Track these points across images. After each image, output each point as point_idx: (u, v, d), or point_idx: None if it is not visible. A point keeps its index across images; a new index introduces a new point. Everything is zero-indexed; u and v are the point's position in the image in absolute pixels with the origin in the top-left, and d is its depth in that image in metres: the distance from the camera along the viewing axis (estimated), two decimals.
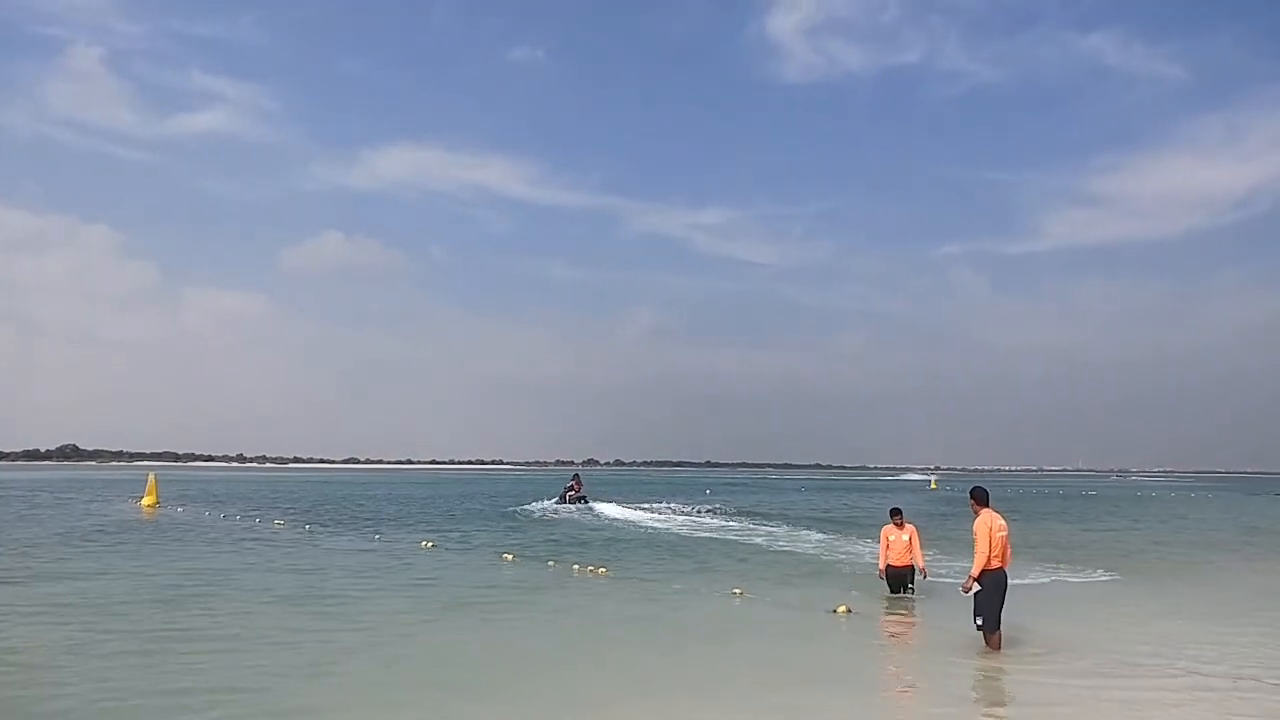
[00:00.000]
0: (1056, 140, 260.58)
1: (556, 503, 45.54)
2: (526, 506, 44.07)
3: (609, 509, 41.67)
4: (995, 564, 10.17)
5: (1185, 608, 13.96)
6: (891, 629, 12.17)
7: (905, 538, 14.30)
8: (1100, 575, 18.03)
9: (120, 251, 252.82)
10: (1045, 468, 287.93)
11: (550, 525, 31.60)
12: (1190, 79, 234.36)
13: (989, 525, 10.23)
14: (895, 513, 14.57)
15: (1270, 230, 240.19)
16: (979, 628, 10.20)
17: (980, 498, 10.60)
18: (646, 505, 46.88)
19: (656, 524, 32.84)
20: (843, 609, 12.86)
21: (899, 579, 14.27)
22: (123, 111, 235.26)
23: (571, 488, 46.44)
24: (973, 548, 10.32)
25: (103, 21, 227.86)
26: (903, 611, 13.31)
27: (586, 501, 44.97)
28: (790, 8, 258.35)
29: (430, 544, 22.43)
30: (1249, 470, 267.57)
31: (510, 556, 19.71)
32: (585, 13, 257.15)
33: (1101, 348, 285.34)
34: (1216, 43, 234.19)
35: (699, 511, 41.86)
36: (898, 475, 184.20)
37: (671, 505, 46.61)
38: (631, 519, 35.71)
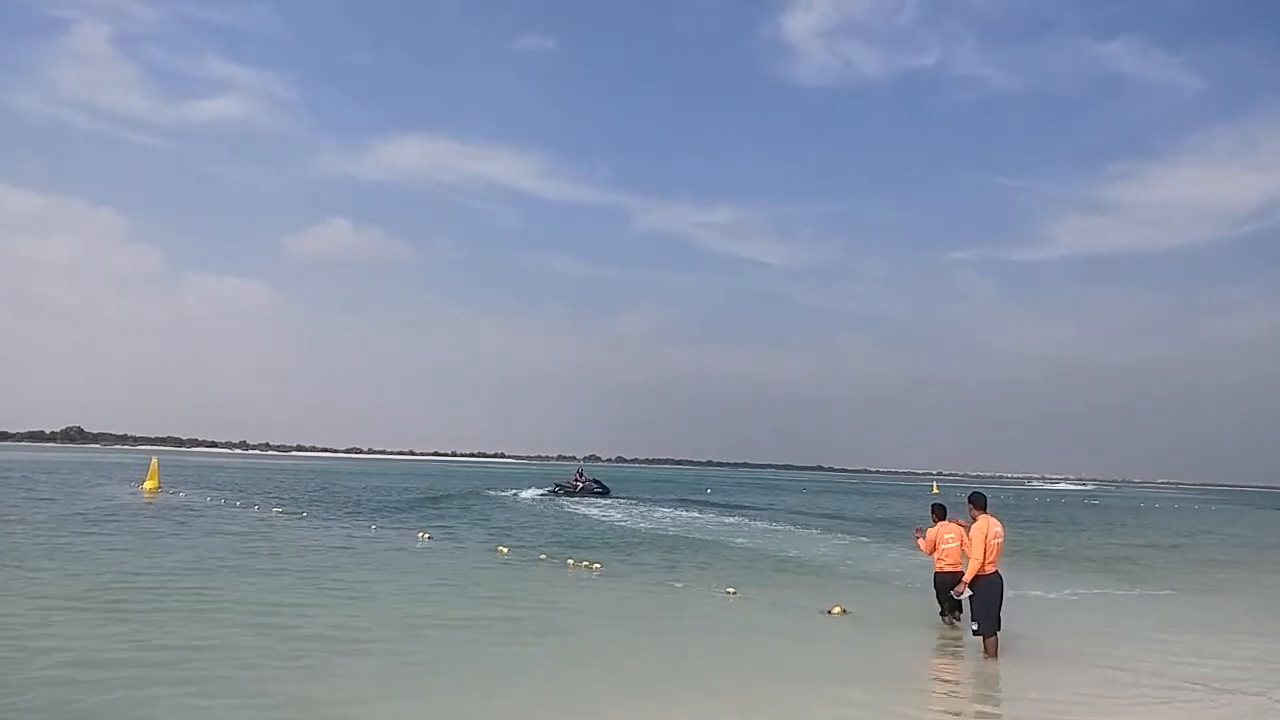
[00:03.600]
0: (1069, 147, 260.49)
1: (564, 492, 47.79)
2: (519, 495, 44.74)
3: (597, 506, 41.60)
4: (990, 569, 10.09)
5: (1187, 620, 13.79)
6: (886, 631, 12.00)
7: (952, 539, 12.11)
8: (1104, 586, 17.87)
9: (126, 235, 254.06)
10: (1048, 475, 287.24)
11: (543, 518, 31.50)
12: (1206, 88, 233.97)
13: (984, 531, 10.16)
14: (937, 509, 12.79)
15: None
16: (975, 632, 10.12)
17: (979, 503, 10.50)
18: (645, 501, 46.86)
19: (650, 521, 32.73)
20: (838, 610, 12.74)
21: (947, 588, 11.96)
22: (135, 96, 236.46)
23: (576, 478, 49.56)
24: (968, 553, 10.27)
25: (118, 5, 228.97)
26: (899, 614, 13.14)
27: (585, 490, 47.52)
28: (806, 9, 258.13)
29: (427, 535, 22.35)
30: (1252, 484, 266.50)
31: (504, 550, 19.61)
32: (599, 7, 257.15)
33: (1109, 357, 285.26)
34: (1234, 53, 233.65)
35: (696, 509, 41.76)
36: (1052, 484, 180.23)
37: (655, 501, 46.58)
38: (625, 515, 35.59)
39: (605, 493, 47.98)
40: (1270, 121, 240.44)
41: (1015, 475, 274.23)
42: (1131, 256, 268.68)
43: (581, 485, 48.66)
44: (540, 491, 49.84)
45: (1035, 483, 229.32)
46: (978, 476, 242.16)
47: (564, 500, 44.05)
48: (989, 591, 10.09)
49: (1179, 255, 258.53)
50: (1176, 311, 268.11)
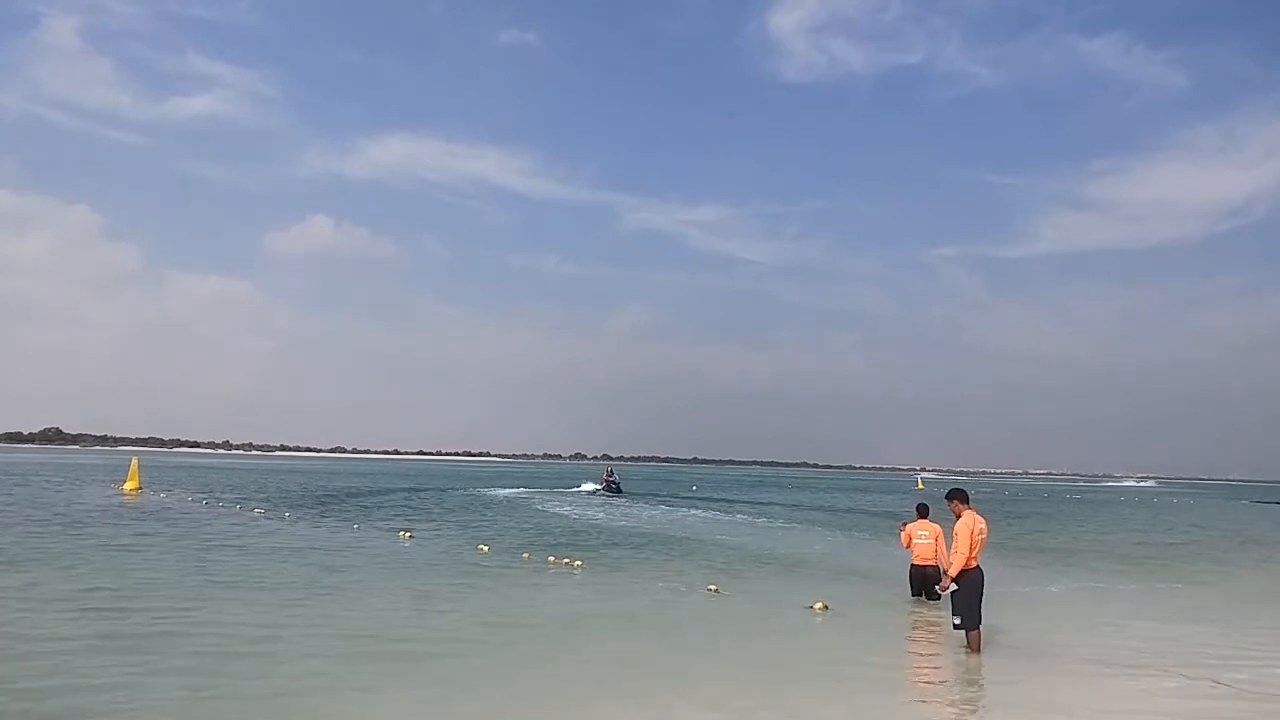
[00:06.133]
0: (1054, 144, 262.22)
1: (595, 491, 52.78)
2: (498, 493, 44.62)
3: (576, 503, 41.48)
4: (972, 564, 10.06)
5: (1171, 612, 13.84)
6: (868, 627, 11.97)
7: (926, 536, 13.69)
8: (1091, 580, 17.93)
9: (102, 233, 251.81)
10: (1030, 470, 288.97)
11: (526, 517, 31.37)
12: (1190, 86, 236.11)
13: (970, 526, 10.13)
14: (920, 509, 14.16)
15: (1265, 239, 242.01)
16: (957, 626, 10.08)
17: (963, 498, 10.48)
18: (630, 499, 46.83)
19: (635, 519, 32.66)
20: (819, 606, 12.70)
21: (923, 579, 13.67)
22: (114, 93, 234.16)
23: (607, 478, 53.58)
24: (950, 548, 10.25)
25: (97, 1, 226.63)
26: (881, 610, 13.14)
27: (619, 490, 51.69)
28: (793, 6, 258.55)
29: (409, 535, 22.18)
30: (1233, 479, 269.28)
31: (485, 548, 19.48)
32: (586, 5, 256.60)
33: (1093, 352, 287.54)
34: (1218, 50, 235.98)
35: (680, 506, 41.74)
36: (1118, 481, 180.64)
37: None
38: (609, 513, 35.51)
39: (618, 492, 51.54)
40: (1253, 118, 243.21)
41: (1000, 471, 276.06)
42: (1116, 253, 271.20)
43: (607, 484, 52.25)
44: (583, 489, 55.20)
45: (1020, 477, 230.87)
46: (961, 471, 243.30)
47: (542, 500, 44.14)
48: (972, 586, 10.05)
49: (1163, 251, 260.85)
50: (1160, 307, 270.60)
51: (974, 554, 10.09)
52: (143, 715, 6.88)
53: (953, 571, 10.08)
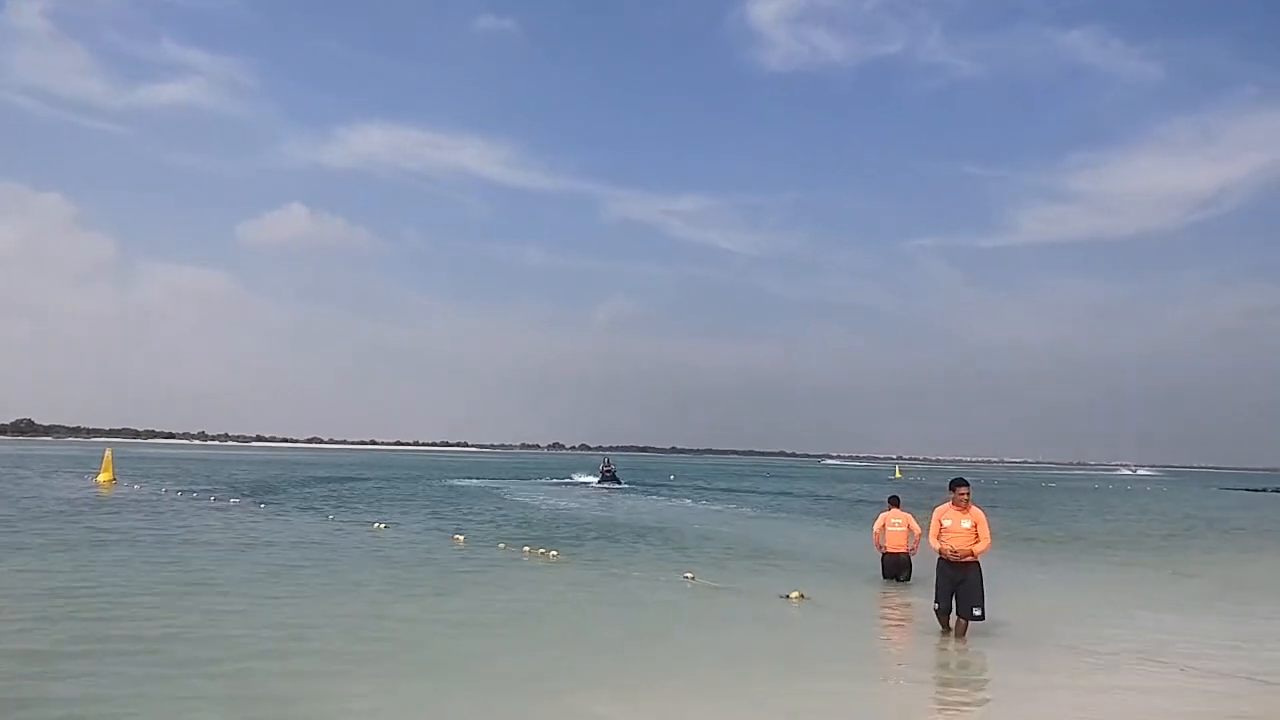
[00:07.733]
0: (1032, 136, 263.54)
1: (596, 483, 52.48)
2: (474, 483, 44.42)
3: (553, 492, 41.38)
4: None
5: (1157, 599, 13.94)
6: (845, 616, 11.93)
7: (899, 525, 14.34)
8: (1072, 566, 18.06)
9: (75, 222, 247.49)
10: (1008, 459, 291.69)
11: (500, 508, 31.23)
12: (1167, 79, 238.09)
13: (984, 514, 10.24)
14: (894, 499, 14.73)
15: (1238, 230, 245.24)
16: (978, 617, 9.93)
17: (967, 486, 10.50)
18: (608, 489, 46.83)
19: (612, 509, 32.61)
20: (796, 595, 12.66)
21: (895, 565, 14.30)
22: (86, 79, 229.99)
23: (604, 469, 53.68)
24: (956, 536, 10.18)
25: None
26: (858, 599, 13.13)
27: (617, 479, 52.12)
28: None
29: (382, 525, 21.98)
30: (1205, 465, 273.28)
31: (460, 539, 19.32)
32: None
33: (1071, 342, 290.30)
34: (1194, 44, 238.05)
35: (658, 496, 41.76)
36: (1111, 470, 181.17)
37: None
38: (584, 504, 35.46)
39: (615, 481, 52.09)
40: (1227, 112, 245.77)
41: (976, 459, 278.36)
42: (1093, 244, 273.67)
43: (604, 474, 52.79)
44: (554, 482, 54.72)
45: (998, 466, 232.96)
46: (937, 460, 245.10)
47: (519, 490, 43.94)
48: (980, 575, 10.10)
49: (1139, 242, 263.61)
50: (1137, 297, 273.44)
51: None
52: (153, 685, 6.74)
53: (980, 550, 10.06)
